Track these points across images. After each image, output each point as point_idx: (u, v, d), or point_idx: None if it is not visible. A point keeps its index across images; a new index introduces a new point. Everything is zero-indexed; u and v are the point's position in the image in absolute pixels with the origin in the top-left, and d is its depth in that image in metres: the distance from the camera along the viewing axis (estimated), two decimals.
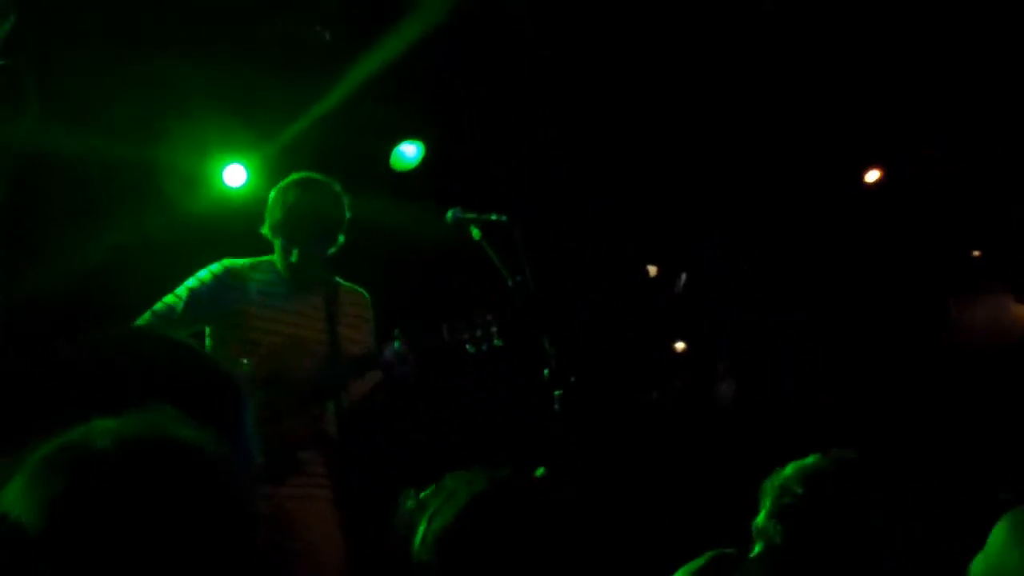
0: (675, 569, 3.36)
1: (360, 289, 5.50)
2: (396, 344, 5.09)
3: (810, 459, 2.91)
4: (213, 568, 1.47)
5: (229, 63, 6.60)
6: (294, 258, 5.26)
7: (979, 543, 2.94)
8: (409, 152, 7.02)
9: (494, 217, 4.86)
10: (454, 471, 2.26)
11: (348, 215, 5.37)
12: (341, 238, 5.35)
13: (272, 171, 6.26)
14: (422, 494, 2.26)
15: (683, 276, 8.77)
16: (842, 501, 2.79)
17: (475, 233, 4.86)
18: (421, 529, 2.18)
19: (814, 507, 2.81)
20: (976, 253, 8.83)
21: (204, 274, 5.29)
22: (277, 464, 4.98)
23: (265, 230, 5.33)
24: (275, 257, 5.37)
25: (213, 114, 6.70)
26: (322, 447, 5.21)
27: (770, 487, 3.02)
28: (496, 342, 5.12)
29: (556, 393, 4.49)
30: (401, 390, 5.27)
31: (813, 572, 2.81)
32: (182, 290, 5.26)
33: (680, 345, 9.18)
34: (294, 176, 5.40)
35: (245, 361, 5.03)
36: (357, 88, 6.63)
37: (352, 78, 6.61)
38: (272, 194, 5.37)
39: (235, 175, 6.84)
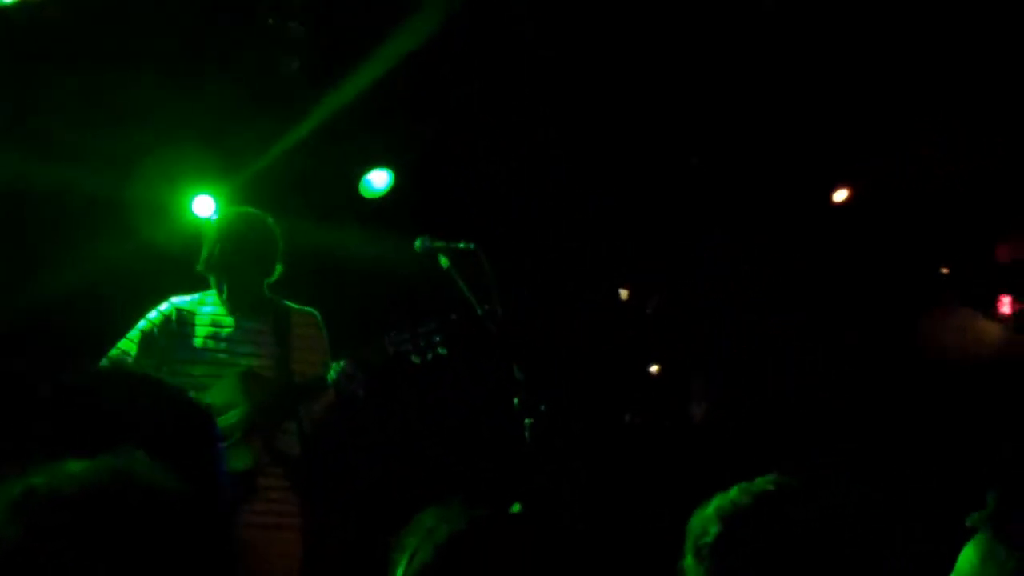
0: None
1: (310, 310, 5.54)
2: (341, 363, 5.12)
3: (732, 492, 2.78)
4: None
5: (198, 94, 6.60)
6: (224, 293, 5.37)
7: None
8: (378, 180, 7.01)
9: (462, 245, 4.88)
10: (429, 507, 2.25)
11: (280, 245, 5.44)
12: (278, 267, 5.40)
13: (241, 201, 6.25)
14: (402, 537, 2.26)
15: (655, 298, 8.79)
16: (760, 539, 2.67)
17: (443, 261, 4.88)
18: (402, 567, 2.17)
19: (731, 546, 2.68)
20: (944, 270, 8.89)
21: (154, 315, 5.37)
22: (237, 493, 4.99)
23: (199, 267, 5.38)
24: (218, 289, 5.43)
25: (182, 145, 6.69)
26: (284, 472, 5.23)
27: (691, 526, 2.90)
28: (440, 350, 5.12)
29: (527, 422, 4.50)
30: (353, 408, 5.30)
31: None
32: (134, 334, 5.36)
33: (654, 368, 9.19)
34: (222, 212, 5.49)
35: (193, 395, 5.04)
36: (326, 118, 6.64)
37: (321, 108, 6.61)
38: (205, 231, 5.45)
39: (204, 205, 6.82)
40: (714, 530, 2.60)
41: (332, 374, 5.11)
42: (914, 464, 7.86)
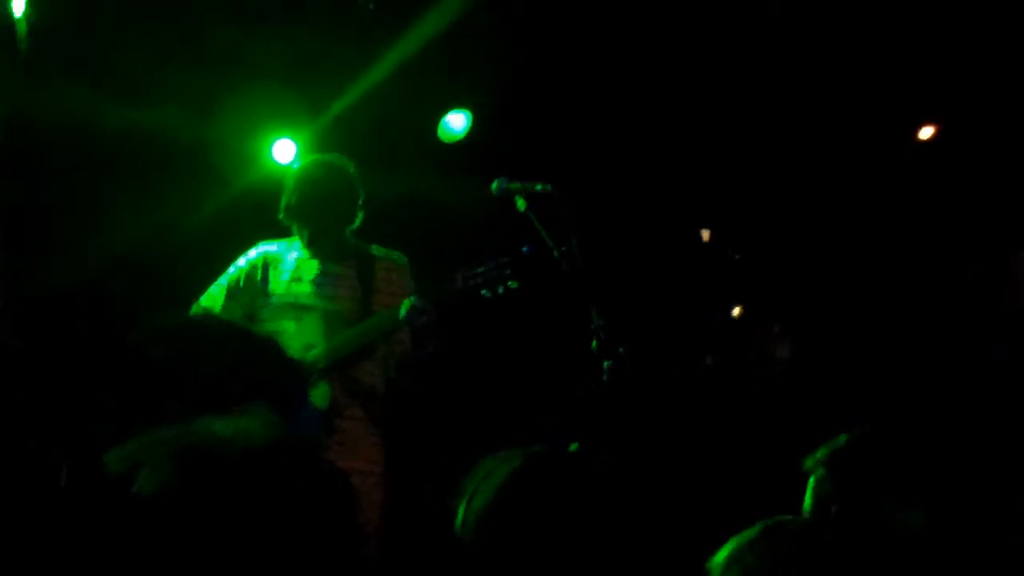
0: (726, 539, 3.35)
1: (395, 255, 5.57)
2: (412, 299, 5.14)
3: (841, 439, 2.96)
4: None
5: (277, 37, 6.61)
6: (306, 239, 5.42)
7: None
8: (456, 123, 6.99)
9: (539, 187, 4.84)
10: (491, 454, 2.26)
11: (361, 191, 5.47)
12: (359, 214, 5.42)
13: (321, 146, 6.27)
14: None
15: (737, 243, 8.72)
16: (878, 472, 2.80)
17: (520, 204, 4.85)
18: (461, 509, 2.18)
19: (852, 481, 2.81)
20: None
21: (242, 262, 5.48)
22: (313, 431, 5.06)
23: (280, 215, 5.43)
24: (304, 235, 5.47)
25: (262, 88, 6.72)
26: (365, 410, 5.27)
27: (810, 467, 3.06)
28: (512, 284, 5.10)
29: (605, 364, 4.47)
30: (427, 344, 5.28)
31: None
32: (222, 280, 5.49)
33: (736, 310, 9.12)
34: (302, 161, 5.52)
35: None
36: (405, 60, 6.62)
37: (399, 50, 6.60)
38: (285, 180, 5.48)
39: (285, 150, 6.85)
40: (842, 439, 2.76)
41: (403, 311, 5.12)
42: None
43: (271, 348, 2.40)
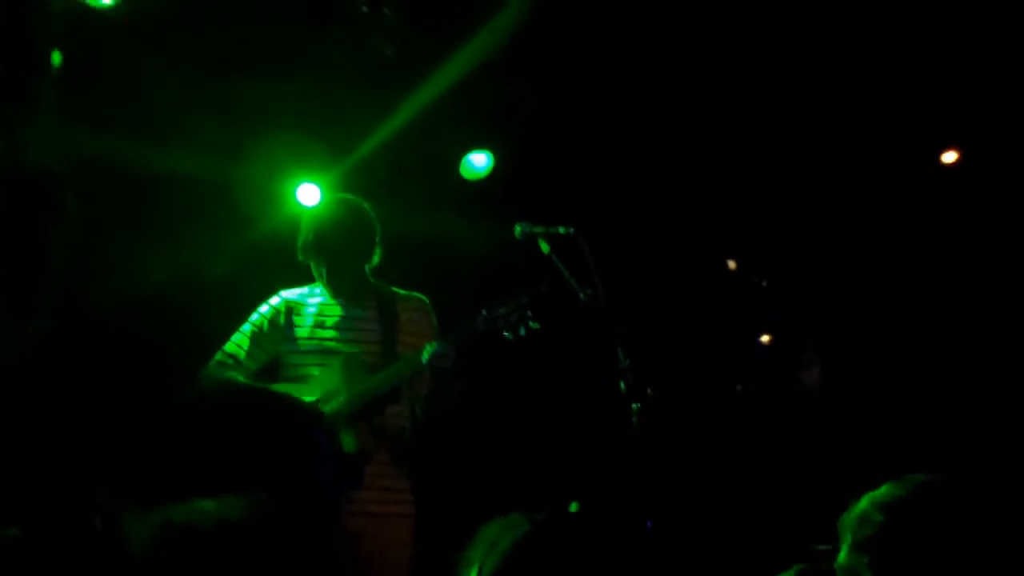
0: None
1: (418, 295, 5.57)
2: (434, 343, 5.15)
3: (884, 488, 2.79)
4: None
5: (302, 83, 6.67)
6: (324, 278, 5.43)
7: None
8: (479, 161, 7.03)
9: (562, 230, 4.86)
10: (493, 519, 2.30)
11: (377, 228, 5.48)
12: (377, 251, 5.44)
13: (345, 189, 6.31)
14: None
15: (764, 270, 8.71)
16: (926, 528, 2.67)
17: (544, 247, 4.87)
18: None
19: (897, 536, 2.70)
20: None
21: (265, 309, 5.48)
22: (342, 479, 5.06)
23: (299, 255, 5.45)
24: (324, 280, 5.50)
25: (287, 133, 6.78)
26: (391, 457, 5.28)
27: (848, 521, 2.89)
28: (533, 324, 5.05)
29: (634, 407, 4.48)
30: (450, 387, 5.29)
31: None
32: (246, 328, 5.47)
33: (765, 338, 9.11)
34: (320, 199, 5.54)
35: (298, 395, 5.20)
36: (425, 103, 6.67)
37: (419, 94, 6.64)
38: (302, 220, 5.52)
39: (309, 194, 6.90)
40: (879, 518, 2.61)
41: (425, 355, 5.14)
42: None
43: (281, 408, 2.42)
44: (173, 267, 6.66)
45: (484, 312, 5.14)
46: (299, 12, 6.44)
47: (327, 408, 5.18)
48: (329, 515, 2.40)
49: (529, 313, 5.07)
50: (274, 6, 6.38)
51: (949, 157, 8.17)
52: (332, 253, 5.44)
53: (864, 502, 2.71)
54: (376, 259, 5.48)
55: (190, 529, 1.62)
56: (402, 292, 5.56)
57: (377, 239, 5.48)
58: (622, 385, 4.54)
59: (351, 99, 6.78)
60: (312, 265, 5.49)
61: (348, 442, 5.16)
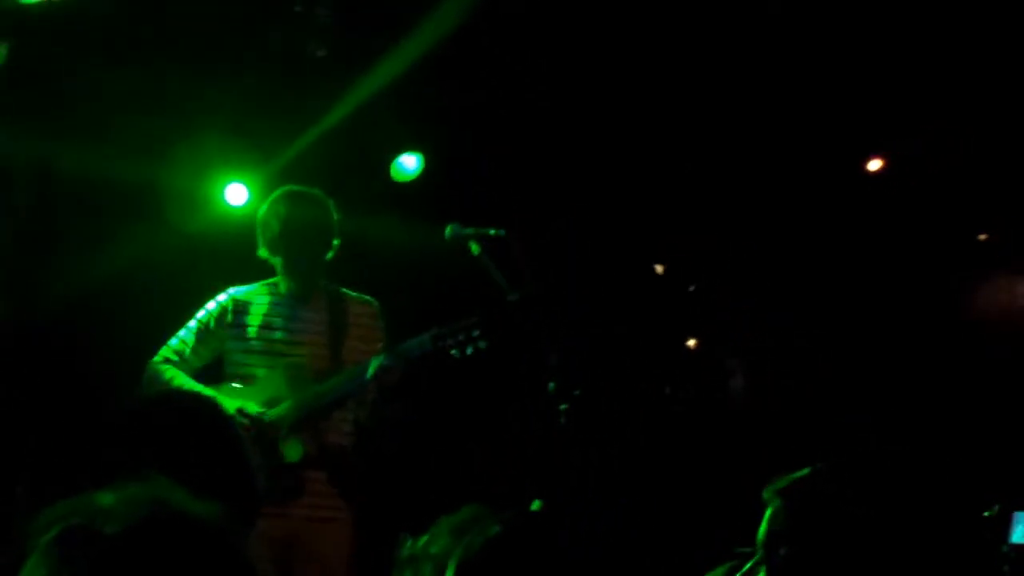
0: None
1: (368, 298, 5.55)
2: (382, 356, 5.13)
3: (803, 472, 2.94)
4: None
5: (229, 83, 6.63)
6: (299, 272, 5.35)
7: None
8: (409, 163, 7.02)
9: (492, 232, 4.87)
10: (448, 513, 2.28)
11: (336, 217, 5.44)
12: (336, 242, 5.42)
13: (274, 189, 6.28)
14: (419, 541, 2.28)
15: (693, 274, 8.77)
16: (832, 513, 2.80)
17: (474, 248, 4.87)
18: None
19: (805, 520, 2.82)
20: (983, 236, 8.81)
21: (212, 306, 5.42)
22: (286, 486, 5.04)
23: (262, 251, 5.39)
24: (278, 278, 5.44)
25: (214, 133, 6.72)
26: (335, 465, 5.25)
27: (767, 498, 3.06)
28: (481, 344, 5.07)
29: (561, 407, 4.50)
30: (392, 399, 5.29)
31: None
32: (193, 324, 5.40)
33: (692, 342, 9.17)
34: (280, 191, 5.48)
35: (237, 385, 5.17)
36: (356, 104, 6.65)
37: (351, 94, 6.62)
38: (261, 212, 5.45)
39: (237, 194, 6.85)
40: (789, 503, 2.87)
41: (370, 370, 5.12)
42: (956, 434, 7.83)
43: (202, 413, 2.41)
44: (103, 269, 6.59)
45: (435, 330, 5.13)
46: (232, 11, 6.40)
47: (272, 414, 5.14)
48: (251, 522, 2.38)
49: (477, 333, 5.08)
50: (205, 3, 6.34)
51: (874, 165, 8.28)
52: (307, 249, 5.39)
53: (782, 482, 2.89)
54: (333, 249, 5.45)
55: (92, 536, 1.48)
56: (352, 294, 5.53)
57: (336, 228, 5.45)
58: (551, 386, 4.55)
59: (281, 98, 6.74)
60: (279, 261, 5.42)
61: (291, 450, 5.13)
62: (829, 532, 2.81)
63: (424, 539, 2.28)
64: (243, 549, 1.57)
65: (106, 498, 1.52)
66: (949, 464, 7.24)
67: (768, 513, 3.14)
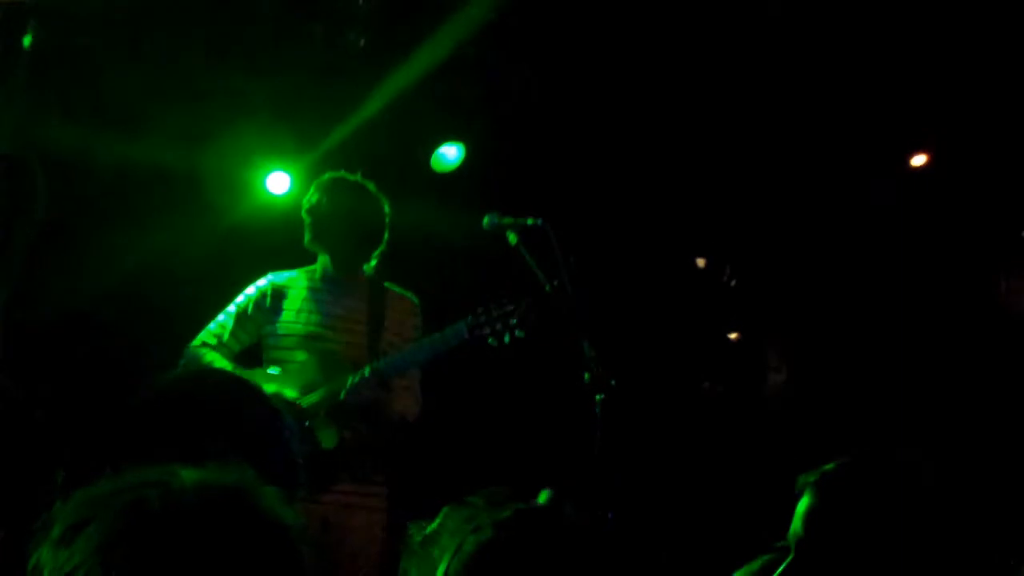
0: (729, 572, 3.36)
1: (409, 294, 5.54)
2: (357, 374, 5.17)
3: (830, 465, 2.91)
4: None
5: (270, 72, 6.65)
6: (333, 262, 5.34)
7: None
8: (450, 154, 7.01)
9: (530, 221, 4.85)
10: (455, 503, 2.27)
11: (388, 212, 5.41)
12: (385, 237, 5.39)
13: (314, 178, 6.29)
14: (428, 527, 2.27)
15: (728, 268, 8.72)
16: (860, 506, 2.77)
17: (511, 238, 4.86)
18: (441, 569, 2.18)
19: (833, 513, 2.79)
20: None
21: (251, 291, 5.42)
22: (320, 472, 5.05)
23: (307, 241, 5.40)
24: (318, 264, 5.45)
25: (256, 122, 6.75)
26: (370, 451, 5.26)
27: (799, 490, 3.03)
28: (519, 333, 5.04)
29: (597, 398, 4.48)
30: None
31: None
32: (232, 308, 5.41)
33: (733, 335, 9.12)
34: (326, 176, 5.48)
35: (276, 371, 5.18)
36: (398, 92, 6.65)
37: (391, 84, 6.62)
38: (306, 197, 5.46)
39: (279, 182, 6.87)
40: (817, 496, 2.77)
41: (343, 393, 5.15)
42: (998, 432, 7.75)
43: (246, 398, 2.40)
44: (143, 257, 6.62)
45: (470, 318, 5.11)
46: (273, 1, 6.42)
47: (307, 400, 5.16)
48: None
49: (515, 322, 5.06)
50: None
51: (918, 160, 8.21)
52: (343, 240, 5.41)
53: (812, 476, 2.87)
54: (383, 244, 5.45)
55: (168, 510, 1.46)
56: (396, 289, 5.52)
57: (387, 230, 5.44)
58: (587, 376, 4.54)
59: (322, 88, 6.76)
60: (322, 251, 5.44)
61: (327, 437, 5.14)
62: (860, 525, 2.78)
63: (433, 526, 2.27)
64: (306, 556, 1.55)
65: (189, 474, 1.52)
66: (987, 461, 7.17)
67: (801, 506, 3.12)
